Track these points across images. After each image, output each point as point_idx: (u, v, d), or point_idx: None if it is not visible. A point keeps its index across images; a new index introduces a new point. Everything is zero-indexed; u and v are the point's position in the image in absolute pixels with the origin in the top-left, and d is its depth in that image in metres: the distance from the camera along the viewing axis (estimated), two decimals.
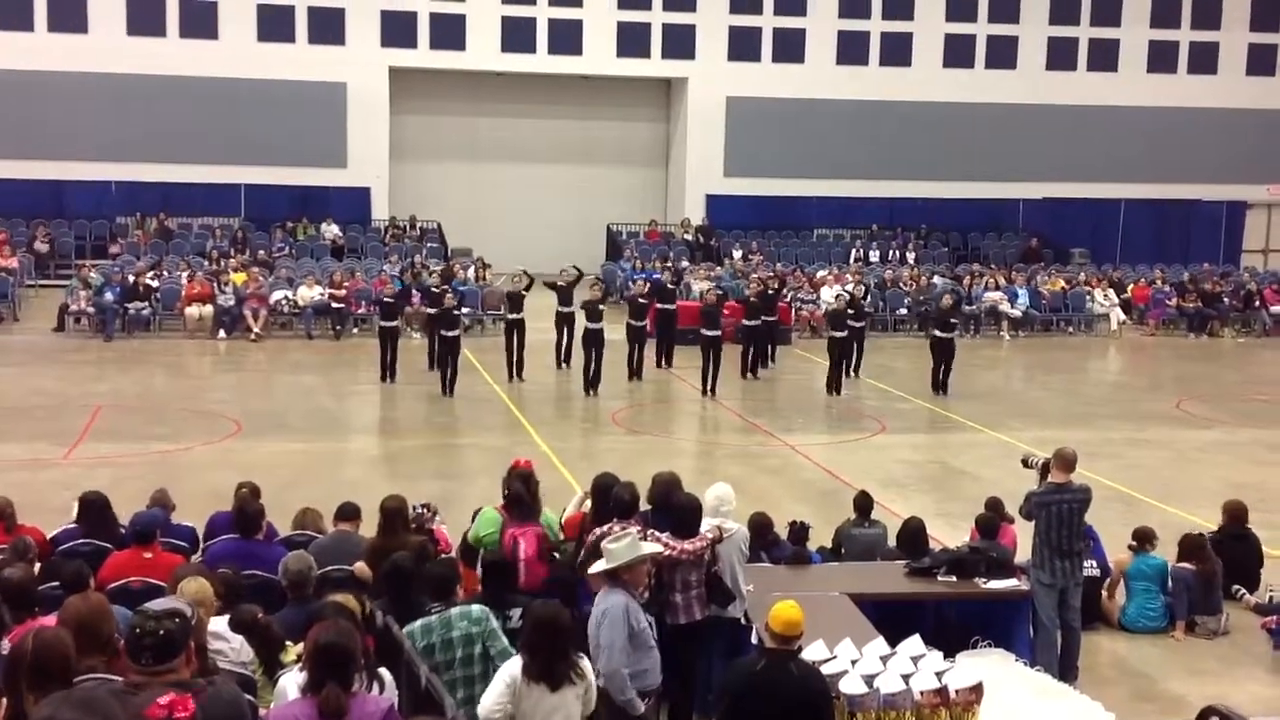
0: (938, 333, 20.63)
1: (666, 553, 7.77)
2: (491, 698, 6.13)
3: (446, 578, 6.91)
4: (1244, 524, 11.43)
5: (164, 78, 30.53)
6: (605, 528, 7.89)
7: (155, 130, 30.61)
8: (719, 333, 20.09)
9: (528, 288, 20.77)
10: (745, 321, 21.72)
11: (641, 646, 6.77)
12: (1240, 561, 11.17)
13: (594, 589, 7.25)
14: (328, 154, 31.94)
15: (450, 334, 19.50)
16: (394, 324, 20.47)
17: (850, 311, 21.16)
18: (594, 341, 19.69)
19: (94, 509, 9.07)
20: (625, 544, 7.02)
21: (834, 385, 20.25)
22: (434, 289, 21.22)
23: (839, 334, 20.64)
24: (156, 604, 4.78)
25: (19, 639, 4.98)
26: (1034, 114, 34.52)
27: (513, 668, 6.16)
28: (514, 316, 20.59)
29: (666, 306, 22.51)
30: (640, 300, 21.39)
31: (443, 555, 8.89)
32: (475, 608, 6.69)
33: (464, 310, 22.72)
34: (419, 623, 6.62)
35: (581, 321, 20.22)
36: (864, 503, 10.84)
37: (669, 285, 23.61)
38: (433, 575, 7.01)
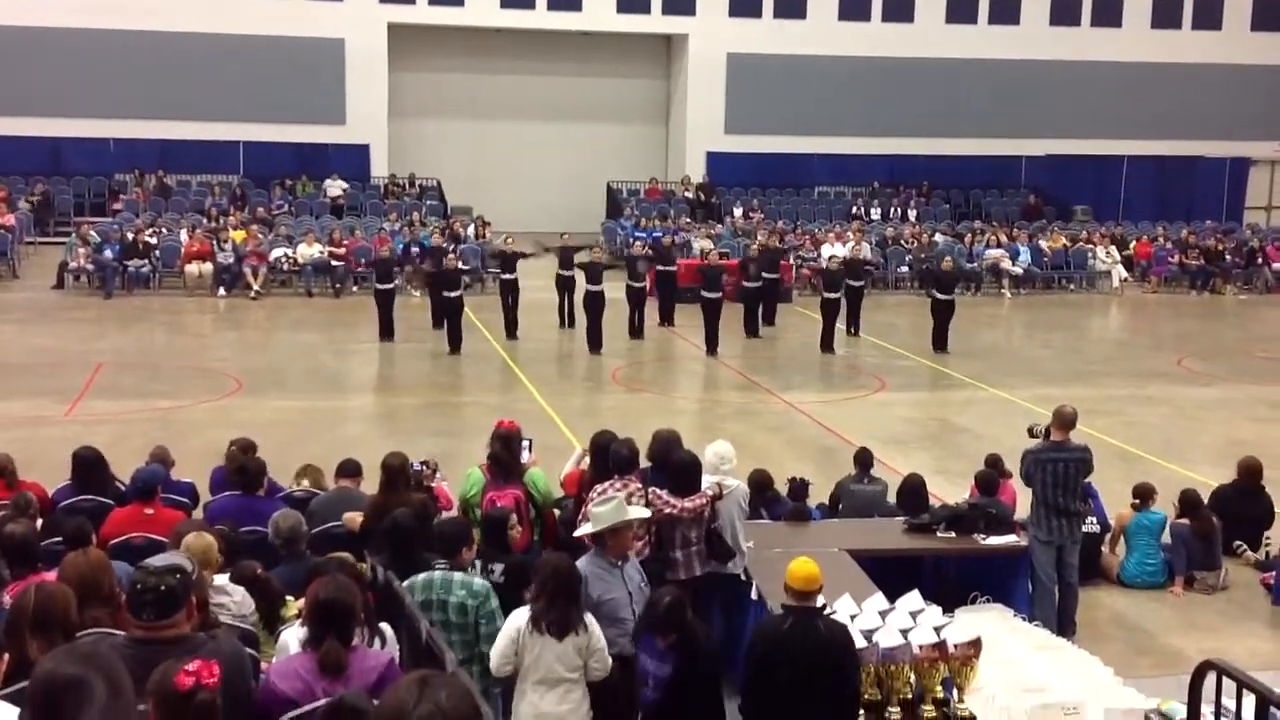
0: (938, 295, 20.58)
1: (667, 511, 7.79)
2: (500, 650, 6.24)
3: (456, 536, 6.87)
4: (1258, 481, 11.43)
5: (161, 34, 30.32)
6: (605, 484, 7.89)
7: (153, 87, 30.45)
8: (720, 294, 20.06)
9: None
10: (745, 283, 21.65)
11: (601, 617, 6.60)
12: (1248, 518, 11.18)
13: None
14: (327, 111, 31.76)
15: (452, 294, 19.48)
16: (389, 285, 20.40)
17: (845, 271, 21.11)
18: (595, 303, 19.67)
19: (86, 465, 9.06)
20: (610, 507, 6.99)
21: (827, 344, 20.23)
22: (438, 247, 21.19)
23: (832, 295, 20.58)
24: (157, 559, 4.80)
25: (20, 593, 4.99)
26: (1037, 70, 34.28)
27: (518, 620, 6.24)
28: (508, 277, 20.60)
29: (666, 268, 22.51)
30: (639, 261, 21.32)
31: (444, 513, 8.93)
32: (478, 582, 6.68)
33: (465, 267, 22.73)
34: (421, 576, 6.65)
35: (582, 284, 20.20)
36: (865, 458, 10.85)
37: (667, 245, 23.50)
38: (443, 532, 7.00)
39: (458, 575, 6.64)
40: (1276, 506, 11.49)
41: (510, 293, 20.62)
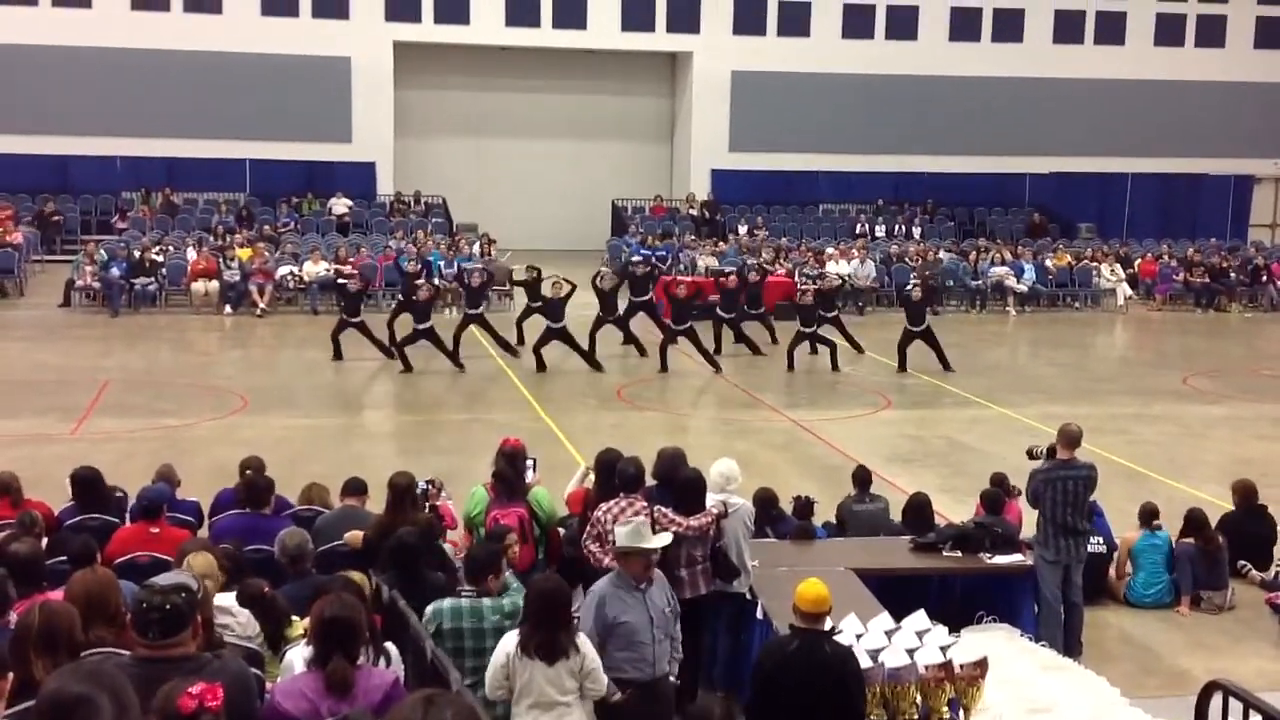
0: (908, 325, 20.07)
1: (672, 529, 7.78)
2: (491, 675, 6.19)
3: (485, 562, 6.77)
4: (1255, 500, 11.40)
5: (168, 52, 30.48)
6: (610, 503, 7.89)
7: (159, 105, 30.58)
8: (688, 325, 19.67)
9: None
10: (720, 311, 20.89)
11: (617, 640, 6.53)
12: (1255, 538, 11.16)
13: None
14: (333, 129, 31.86)
15: (422, 326, 19.18)
16: (358, 319, 20.04)
17: (817, 302, 20.49)
18: (562, 338, 19.41)
19: (85, 484, 9.07)
20: (628, 530, 6.91)
21: (786, 356, 20.08)
22: (411, 275, 20.68)
23: (806, 329, 20.24)
24: (163, 578, 4.80)
25: (24, 612, 4.99)
26: (1041, 88, 34.35)
27: (507, 645, 6.18)
28: (472, 311, 20.28)
29: (639, 298, 20.76)
30: (609, 293, 20.46)
31: (449, 531, 8.95)
32: (507, 601, 6.65)
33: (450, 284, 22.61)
34: (449, 602, 6.58)
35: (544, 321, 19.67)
36: (863, 476, 10.81)
37: (638, 275, 21.03)
38: (472, 556, 6.93)
39: (487, 601, 6.59)
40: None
41: (479, 327, 20.19)
